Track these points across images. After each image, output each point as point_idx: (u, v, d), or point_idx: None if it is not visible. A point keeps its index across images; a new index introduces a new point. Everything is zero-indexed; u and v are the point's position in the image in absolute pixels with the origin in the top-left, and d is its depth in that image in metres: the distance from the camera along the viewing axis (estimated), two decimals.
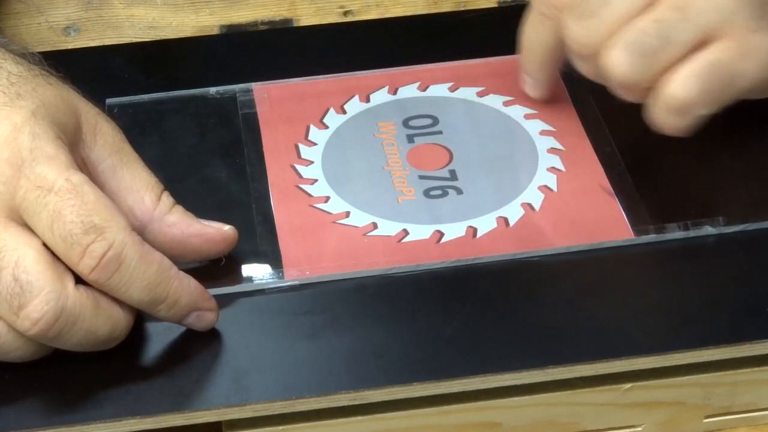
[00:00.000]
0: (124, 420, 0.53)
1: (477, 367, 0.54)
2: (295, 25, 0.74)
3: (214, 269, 0.58)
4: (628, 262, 0.59)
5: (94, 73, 0.69)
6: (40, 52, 0.71)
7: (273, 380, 0.54)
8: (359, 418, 0.54)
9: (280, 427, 0.54)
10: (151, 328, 0.56)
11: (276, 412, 0.54)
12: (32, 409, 0.53)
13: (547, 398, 0.55)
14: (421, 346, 0.55)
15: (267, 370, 0.54)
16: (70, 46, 0.72)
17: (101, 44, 0.72)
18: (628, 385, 0.55)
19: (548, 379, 0.54)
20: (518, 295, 0.57)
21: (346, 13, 0.74)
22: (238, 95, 0.67)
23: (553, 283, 0.58)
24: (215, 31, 0.73)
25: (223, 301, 0.57)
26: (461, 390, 0.54)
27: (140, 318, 0.56)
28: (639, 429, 0.57)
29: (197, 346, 0.55)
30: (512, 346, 0.55)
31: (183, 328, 0.56)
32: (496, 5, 0.74)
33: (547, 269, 0.59)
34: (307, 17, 0.74)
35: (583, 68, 0.61)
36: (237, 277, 0.58)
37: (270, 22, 0.74)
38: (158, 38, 0.73)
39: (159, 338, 0.56)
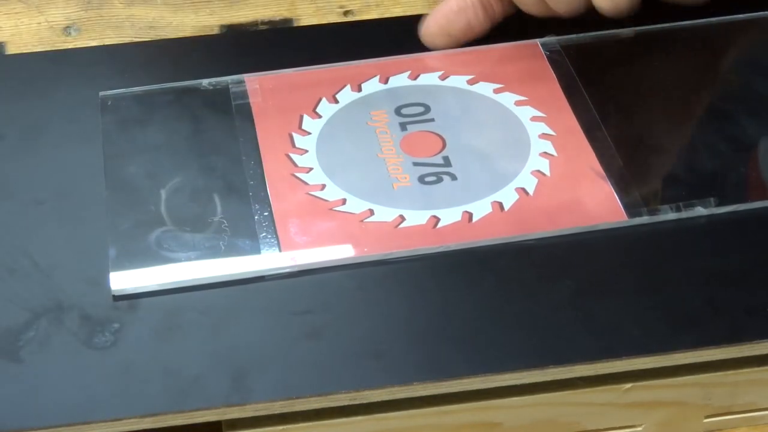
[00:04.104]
0: (124, 420, 0.53)
1: (477, 367, 0.54)
2: (295, 25, 0.74)
3: (215, 256, 0.59)
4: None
5: (94, 72, 0.69)
6: (39, 52, 0.72)
7: (273, 380, 0.54)
8: (359, 418, 0.54)
9: (280, 427, 0.54)
10: (151, 327, 0.56)
11: (276, 412, 0.54)
12: (32, 409, 0.53)
13: (547, 398, 0.55)
14: (421, 346, 0.55)
15: (267, 369, 0.54)
16: (70, 46, 0.72)
17: (101, 44, 0.72)
18: (628, 385, 0.55)
19: (548, 379, 0.54)
20: (516, 285, 0.57)
21: (346, 13, 0.74)
22: (230, 86, 0.68)
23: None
24: (215, 31, 0.73)
25: (222, 295, 0.57)
26: (461, 390, 0.54)
27: (140, 318, 0.56)
28: (639, 429, 0.57)
29: (197, 345, 0.55)
30: (512, 346, 0.55)
31: (181, 326, 0.56)
32: None
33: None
34: (307, 17, 0.74)
35: None
36: (236, 264, 0.58)
37: (270, 22, 0.74)
38: (158, 38, 0.73)
39: (158, 338, 0.56)
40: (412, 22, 0.73)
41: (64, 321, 0.57)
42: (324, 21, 0.74)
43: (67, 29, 0.73)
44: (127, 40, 0.73)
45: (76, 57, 0.71)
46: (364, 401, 0.54)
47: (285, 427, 0.54)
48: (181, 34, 0.73)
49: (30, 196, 0.62)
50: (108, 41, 0.73)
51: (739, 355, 0.55)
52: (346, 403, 0.54)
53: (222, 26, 0.74)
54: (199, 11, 0.74)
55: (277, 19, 0.74)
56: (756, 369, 0.56)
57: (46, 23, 0.73)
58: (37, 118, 0.67)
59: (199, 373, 0.54)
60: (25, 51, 0.72)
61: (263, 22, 0.74)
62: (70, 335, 0.56)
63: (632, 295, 0.57)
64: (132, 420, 0.53)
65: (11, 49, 0.72)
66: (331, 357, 0.55)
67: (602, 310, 0.56)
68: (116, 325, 0.56)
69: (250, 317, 0.57)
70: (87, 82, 0.68)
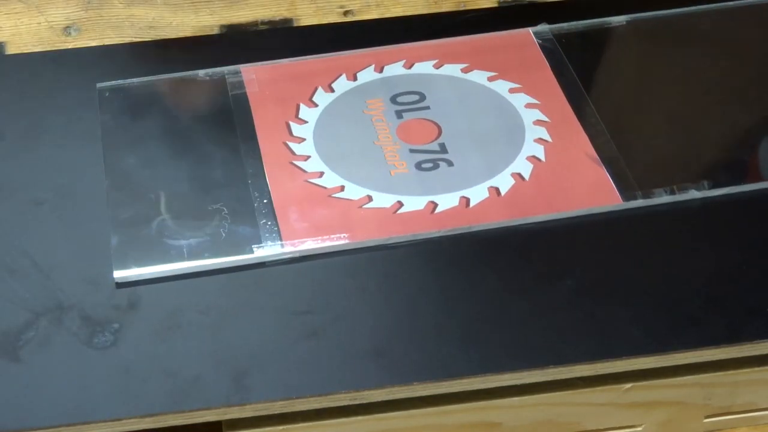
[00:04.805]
0: (124, 420, 0.53)
1: (477, 367, 0.54)
2: (295, 25, 0.74)
3: (216, 243, 0.59)
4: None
5: (94, 72, 0.69)
6: (39, 52, 0.72)
7: (273, 380, 0.54)
8: (359, 418, 0.54)
9: (280, 427, 0.54)
10: (151, 327, 0.56)
11: (276, 412, 0.54)
12: (32, 409, 0.53)
13: (547, 398, 0.55)
14: (421, 345, 0.55)
15: (267, 369, 0.54)
16: (70, 46, 0.72)
17: (101, 44, 0.72)
18: (628, 385, 0.55)
19: (548, 379, 0.54)
20: (516, 284, 0.57)
21: (346, 13, 0.74)
22: (227, 77, 0.68)
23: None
24: (215, 31, 0.73)
25: (222, 295, 0.57)
26: (461, 390, 0.54)
27: (140, 318, 0.56)
28: (639, 429, 0.57)
29: (197, 345, 0.55)
30: (512, 346, 0.55)
31: (181, 326, 0.56)
32: (496, 5, 0.74)
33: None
34: (307, 17, 0.74)
35: None
36: (238, 250, 0.59)
37: (270, 22, 0.74)
38: (158, 38, 0.73)
39: (158, 338, 0.56)
40: (413, 21, 0.73)
41: (64, 321, 0.57)
42: (324, 21, 0.74)
43: (67, 29, 0.73)
44: (127, 40, 0.73)
45: (76, 57, 0.71)
46: (364, 401, 0.54)
47: (285, 427, 0.54)
48: (181, 34, 0.73)
49: (30, 196, 0.62)
50: (108, 41, 0.73)
51: (739, 355, 0.55)
52: (346, 403, 0.54)
53: (222, 26, 0.74)
54: (199, 11, 0.74)
55: (277, 19, 0.74)
56: (756, 369, 0.56)
57: (46, 23, 0.73)
58: (37, 118, 0.67)
59: (199, 374, 0.54)
60: (25, 51, 0.72)
61: (263, 22, 0.74)
62: (70, 335, 0.56)
63: (632, 295, 0.57)
64: (132, 420, 0.53)
65: (11, 49, 0.72)
66: (331, 357, 0.55)
67: (602, 310, 0.56)
68: (116, 325, 0.56)
69: (250, 317, 0.57)
70: (87, 82, 0.68)
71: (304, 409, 0.54)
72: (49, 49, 0.72)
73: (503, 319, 0.56)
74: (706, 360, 0.55)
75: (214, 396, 0.53)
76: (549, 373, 0.54)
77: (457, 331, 0.56)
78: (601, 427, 0.57)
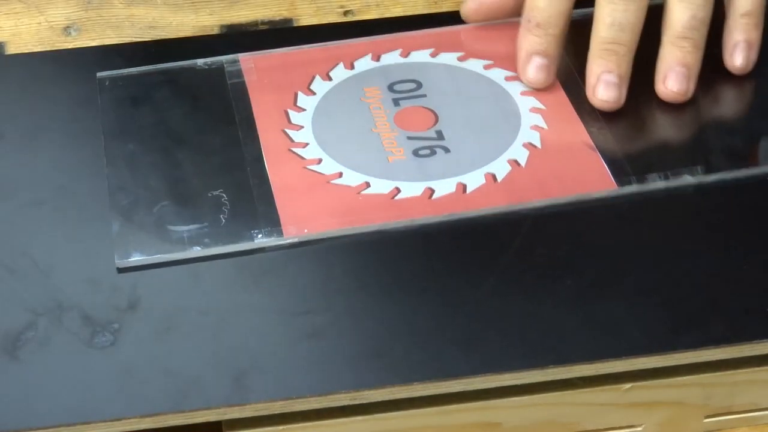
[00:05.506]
0: (123, 420, 0.53)
1: (477, 367, 0.54)
2: (295, 25, 0.74)
3: (216, 229, 0.59)
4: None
5: (94, 72, 0.69)
6: (39, 52, 0.72)
7: (273, 380, 0.54)
8: (359, 418, 0.54)
9: (280, 427, 0.54)
10: (151, 327, 0.56)
11: (276, 412, 0.54)
12: (32, 409, 0.53)
13: (547, 398, 0.55)
14: (421, 345, 0.55)
15: (267, 369, 0.54)
16: (70, 46, 0.72)
17: (101, 44, 0.72)
18: (628, 385, 0.55)
19: (548, 379, 0.54)
20: (516, 283, 0.57)
21: (346, 13, 0.74)
22: (225, 66, 0.69)
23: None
24: (215, 31, 0.73)
25: (222, 295, 0.57)
26: (462, 390, 0.54)
27: (140, 318, 0.56)
28: (639, 429, 0.57)
29: (197, 345, 0.55)
30: (512, 346, 0.55)
31: (181, 326, 0.56)
32: None
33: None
34: (307, 17, 0.74)
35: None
36: (238, 237, 0.59)
37: (270, 22, 0.74)
38: (158, 38, 0.73)
39: (158, 338, 0.56)
40: (412, 22, 0.73)
41: (64, 321, 0.57)
42: (324, 21, 0.74)
43: (67, 29, 0.73)
44: (127, 40, 0.73)
45: (76, 57, 0.71)
46: (364, 401, 0.54)
47: (285, 427, 0.54)
48: (181, 34, 0.73)
49: (30, 196, 0.62)
50: (108, 41, 0.73)
51: (739, 355, 0.55)
52: (346, 403, 0.54)
53: (222, 26, 0.74)
54: (199, 11, 0.74)
55: (277, 19, 0.74)
56: (756, 369, 0.56)
57: (46, 23, 0.73)
58: (37, 118, 0.67)
59: (199, 374, 0.54)
60: (25, 51, 0.72)
61: (263, 22, 0.74)
62: (70, 335, 0.56)
63: (632, 295, 0.57)
64: (132, 420, 0.53)
65: (11, 49, 0.72)
66: (331, 357, 0.55)
67: (602, 310, 0.56)
68: (116, 325, 0.56)
69: (250, 317, 0.57)
70: (87, 82, 0.68)
71: (304, 409, 0.54)
72: (49, 49, 0.72)
73: (503, 319, 0.56)
74: (706, 360, 0.55)
75: (214, 396, 0.53)
76: (549, 373, 0.54)
77: (457, 331, 0.56)
78: (601, 427, 0.57)
